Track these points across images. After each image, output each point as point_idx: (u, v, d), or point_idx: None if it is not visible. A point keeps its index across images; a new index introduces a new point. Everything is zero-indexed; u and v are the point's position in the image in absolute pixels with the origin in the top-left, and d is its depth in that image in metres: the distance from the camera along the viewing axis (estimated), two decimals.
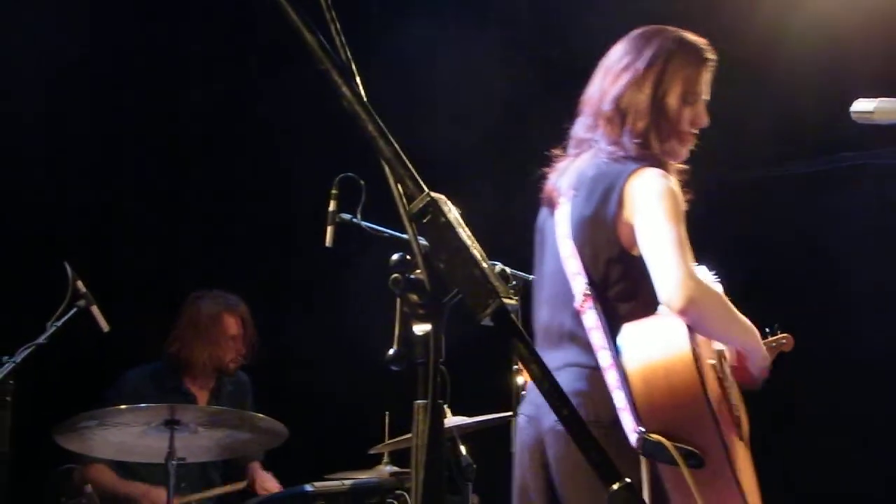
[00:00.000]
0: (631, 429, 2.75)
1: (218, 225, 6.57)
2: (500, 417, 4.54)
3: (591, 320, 2.92)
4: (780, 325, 3.87)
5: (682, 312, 2.77)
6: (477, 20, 6.57)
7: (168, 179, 6.40)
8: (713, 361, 2.96)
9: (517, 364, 4.23)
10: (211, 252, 6.44)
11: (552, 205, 3.16)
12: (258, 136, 6.60)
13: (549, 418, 2.97)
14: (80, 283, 4.54)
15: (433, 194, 1.50)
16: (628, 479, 1.36)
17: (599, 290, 2.96)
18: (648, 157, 3.01)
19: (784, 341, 3.89)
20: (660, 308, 2.87)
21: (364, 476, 4.77)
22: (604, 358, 2.86)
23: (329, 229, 4.35)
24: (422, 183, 1.51)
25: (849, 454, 6.02)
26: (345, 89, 1.55)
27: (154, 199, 6.35)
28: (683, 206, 2.94)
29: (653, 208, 2.88)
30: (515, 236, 6.49)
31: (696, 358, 2.73)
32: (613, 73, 3.13)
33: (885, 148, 6.02)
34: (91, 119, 6.03)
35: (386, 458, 4.88)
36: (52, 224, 5.88)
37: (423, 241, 1.52)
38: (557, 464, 2.98)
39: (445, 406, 4.91)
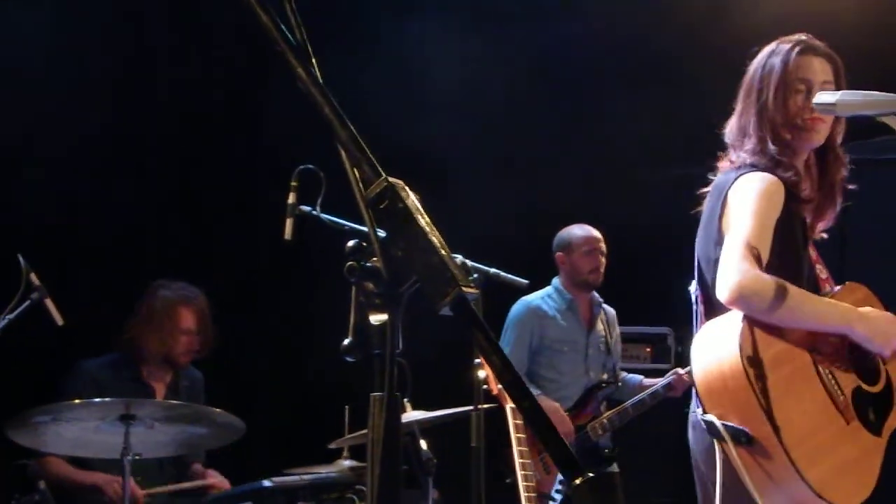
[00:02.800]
0: (698, 414, 3.10)
1: (177, 217, 6.50)
2: (461, 412, 4.50)
3: (698, 319, 3.25)
4: None
5: (729, 304, 3.01)
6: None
7: (126, 171, 6.31)
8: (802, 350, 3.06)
9: (479, 358, 4.20)
10: (170, 244, 6.37)
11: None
12: (222, 126, 6.54)
13: (691, 408, 3.25)
14: (33, 276, 4.46)
15: (391, 179, 1.45)
16: (591, 474, 1.32)
17: (709, 290, 3.19)
18: (761, 162, 3.21)
19: None
20: None
21: (323, 471, 4.71)
22: None
23: (288, 222, 4.30)
24: (379, 168, 1.46)
25: None
26: (300, 71, 1.50)
27: (112, 191, 6.26)
28: (774, 203, 3.12)
29: (739, 208, 3.13)
30: (510, 232, 6.54)
31: (744, 352, 2.94)
32: (737, 105, 3.36)
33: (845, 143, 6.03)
34: (48, 110, 5.93)
35: (346, 453, 4.83)
36: (6, 216, 5.78)
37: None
38: (692, 448, 3.28)
39: (406, 400, 4.89)
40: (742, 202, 3.12)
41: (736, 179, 3.18)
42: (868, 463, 3.11)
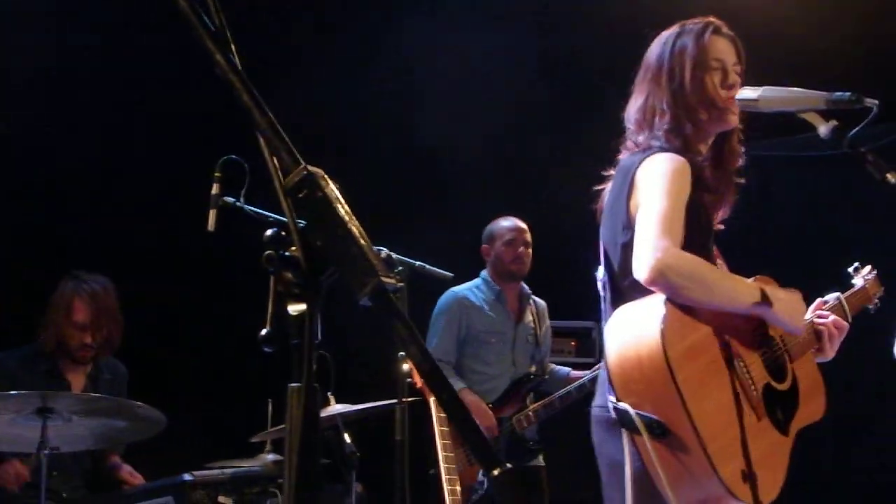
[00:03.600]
0: (610, 402, 2.93)
1: (102, 208, 6.40)
2: (385, 405, 4.50)
3: (606, 306, 3.13)
4: None
5: (650, 283, 2.86)
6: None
7: (49, 160, 6.21)
8: (715, 338, 2.97)
9: (403, 352, 4.19)
10: (93, 235, 6.27)
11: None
12: (150, 116, 6.47)
13: (594, 403, 3.15)
14: None
15: (310, 168, 1.43)
16: (509, 465, 1.31)
17: (617, 276, 3.10)
18: (673, 144, 3.10)
19: (866, 287, 3.59)
20: None
21: (245, 465, 4.68)
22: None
23: (212, 213, 4.25)
24: (298, 156, 1.43)
25: None
26: (219, 57, 1.47)
27: (33, 180, 6.16)
28: (685, 183, 3.01)
29: (650, 188, 2.99)
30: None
31: (665, 338, 2.81)
32: (636, 88, 3.26)
33: (766, 140, 6.12)
34: None
35: (268, 447, 4.80)
36: None
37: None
38: (596, 446, 3.15)
39: (329, 393, 4.87)
40: (652, 182, 2.99)
41: (643, 160, 3.07)
42: (777, 461, 3.06)
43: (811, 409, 3.22)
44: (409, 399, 4.37)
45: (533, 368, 5.96)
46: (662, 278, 2.84)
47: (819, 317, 3.32)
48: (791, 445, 3.11)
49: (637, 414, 2.85)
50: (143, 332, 5.38)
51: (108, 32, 6.19)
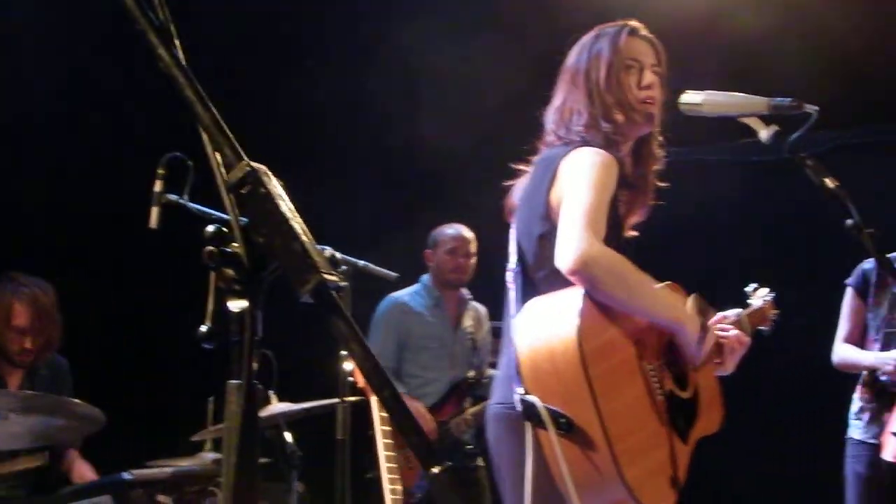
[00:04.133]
0: (517, 393, 2.85)
1: (38, 206, 6.33)
2: (326, 404, 4.49)
3: (515, 298, 3.05)
4: None
5: (571, 273, 2.81)
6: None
7: None
8: (628, 341, 2.93)
9: (344, 350, 4.18)
10: (30, 233, 6.20)
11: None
12: (91, 112, 6.41)
13: (492, 401, 3.09)
14: None
15: (253, 164, 1.42)
16: (450, 463, 1.32)
17: (530, 268, 3.06)
18: (595, 139, 3.09)
19: (763, 308, 3.67)
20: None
21: (185, 463, 4.64)
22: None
23: (154, 210, 4.21)
24: (241, 152, 1.42)
25: None
26: (162, 51, 1.46)
27: None
28: (612, 179, 2.98)
29: (575, 180, 2.95)
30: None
31: (581, 333, 2.77)
32: (555, 92, 3.27)
33: (707, 144, 6.19)
34: None
35: (208, 446, 4.77)
36: None
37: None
38: (493, 444, 3.10)
39: (271, 392, 4.84)
40: (579, 173, 2.95)
41: (569, 152, 3.03)
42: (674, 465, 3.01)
43: (710, 419, 3.21)
44: (351, 398, 4.36)
45: (471, 373, 5.98)
46: (586, 269, 2.79)
47: (722, 330, 3.28)
48: (691, 454, 3.09)
49: (544, 407, 2.79)
50: (82, 328, 5.32)
51: (51, 31, 6.13)
